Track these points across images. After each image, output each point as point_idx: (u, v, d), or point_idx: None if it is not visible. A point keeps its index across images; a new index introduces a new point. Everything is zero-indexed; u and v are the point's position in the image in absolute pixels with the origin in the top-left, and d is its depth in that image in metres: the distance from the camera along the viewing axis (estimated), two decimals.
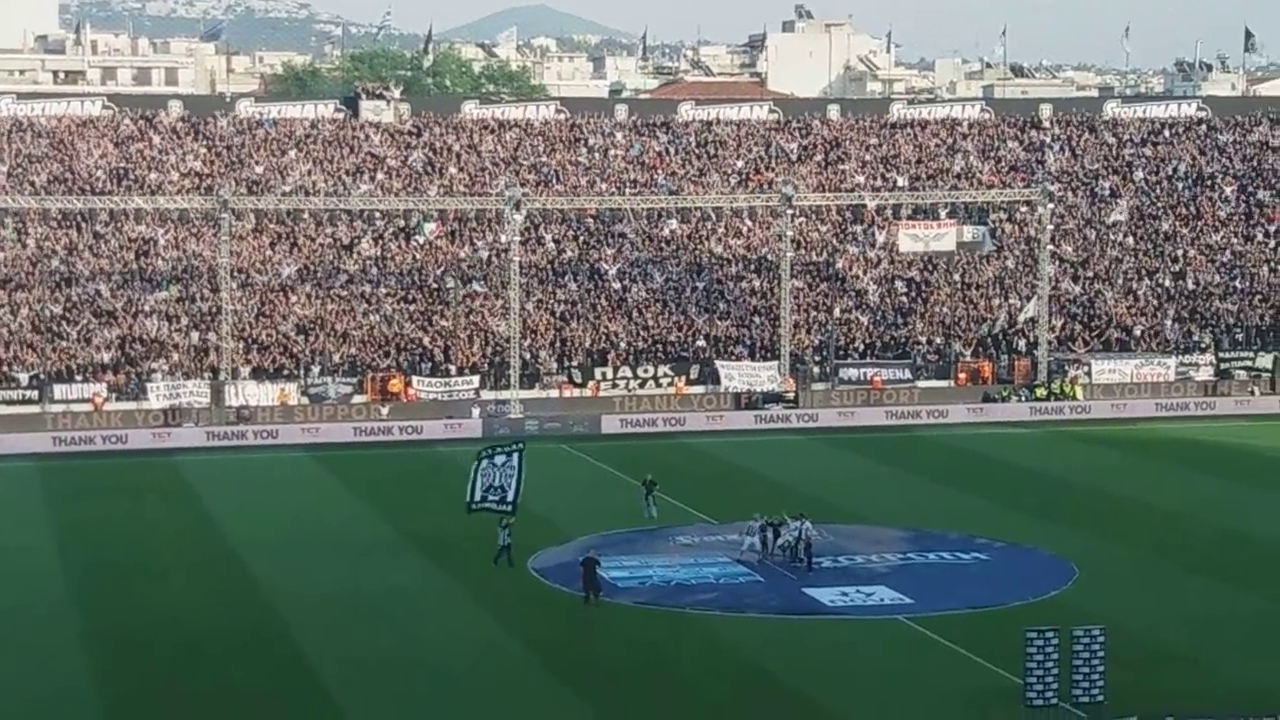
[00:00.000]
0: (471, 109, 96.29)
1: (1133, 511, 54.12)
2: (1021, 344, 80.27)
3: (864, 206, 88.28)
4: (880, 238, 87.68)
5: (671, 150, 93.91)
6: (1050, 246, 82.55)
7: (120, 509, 55.57)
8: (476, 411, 72.92)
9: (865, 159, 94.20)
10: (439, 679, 36.30)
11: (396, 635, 39.65)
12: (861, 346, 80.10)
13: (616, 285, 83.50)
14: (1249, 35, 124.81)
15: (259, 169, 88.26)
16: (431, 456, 66.35)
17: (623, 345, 78.67)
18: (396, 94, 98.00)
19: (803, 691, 35.28)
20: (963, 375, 78.94)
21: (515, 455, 46.30)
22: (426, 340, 77.79)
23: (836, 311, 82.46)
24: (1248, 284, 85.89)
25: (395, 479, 61.44)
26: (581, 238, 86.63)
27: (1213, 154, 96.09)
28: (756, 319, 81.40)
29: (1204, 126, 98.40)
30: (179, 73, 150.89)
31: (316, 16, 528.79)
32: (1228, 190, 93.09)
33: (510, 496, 45.92)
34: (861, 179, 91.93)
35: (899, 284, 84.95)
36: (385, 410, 73.10)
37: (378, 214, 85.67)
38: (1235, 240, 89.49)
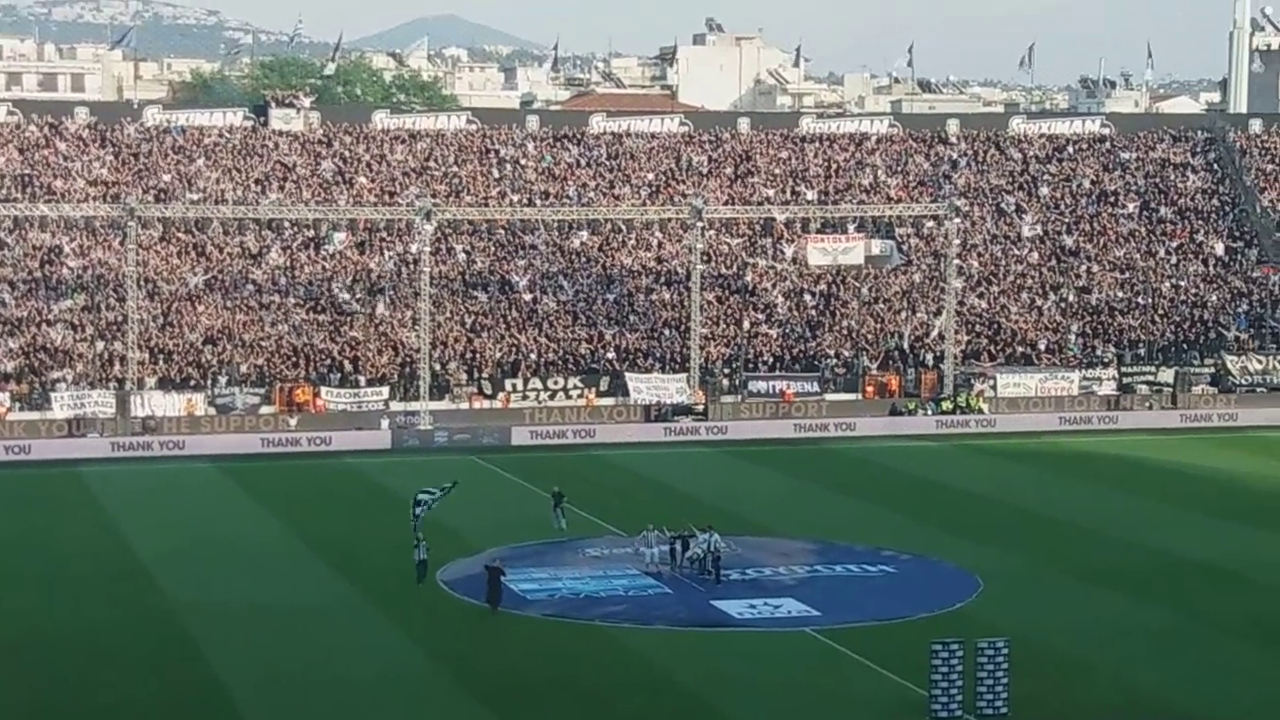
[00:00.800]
0: (382, 119, 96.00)
1: (1036, 524, 54.75)
2: (929, 358, 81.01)
3: (773, 220, 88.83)
4: (789, 251, 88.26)
5: (582, 162, 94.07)
6: (956, 261, 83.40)
7: (24, 520, 54.93)
8: (385, 423, 72.68)
9: (775, 172, 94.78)
10: (346, 691, 36.18)
11: (304, 647, 39.49)
12: (770, 359, 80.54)
13: (527, 297, 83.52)
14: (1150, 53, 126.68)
15: (166, 177, 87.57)
16: (340, 468, 66.05)
17: (533, 357, 78.69)
18: (307, 103, 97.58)
19: (711, 703, 35.47)
20: (870, 388, 79.55)
21: (441, 493, 46.00)
22: (335, 351, 77.45)
23: (746, 324, 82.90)
24: (1150, 299, 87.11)
25: (303, 490, 61.10)
26: (492, 249, 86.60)
27: (1116, 170, 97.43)
28: (666, 331, 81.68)
29: (1107, 143, 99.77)
30: (85, 79, 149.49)
31: (225, 23, 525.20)
32: (1130, 206, 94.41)
33: (430, 495, 45.67)
34: (771, 192, 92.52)
35: (808, 297, 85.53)
36: (293, 421, 72.68)
37: (287, 223, 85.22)
38: (1138, 256, 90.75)
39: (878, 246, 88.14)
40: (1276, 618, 42.38)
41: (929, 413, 77.38)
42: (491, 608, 42.72)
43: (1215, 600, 44.23)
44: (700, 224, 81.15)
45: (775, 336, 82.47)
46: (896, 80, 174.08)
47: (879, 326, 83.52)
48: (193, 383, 74.22)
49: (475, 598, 43.59)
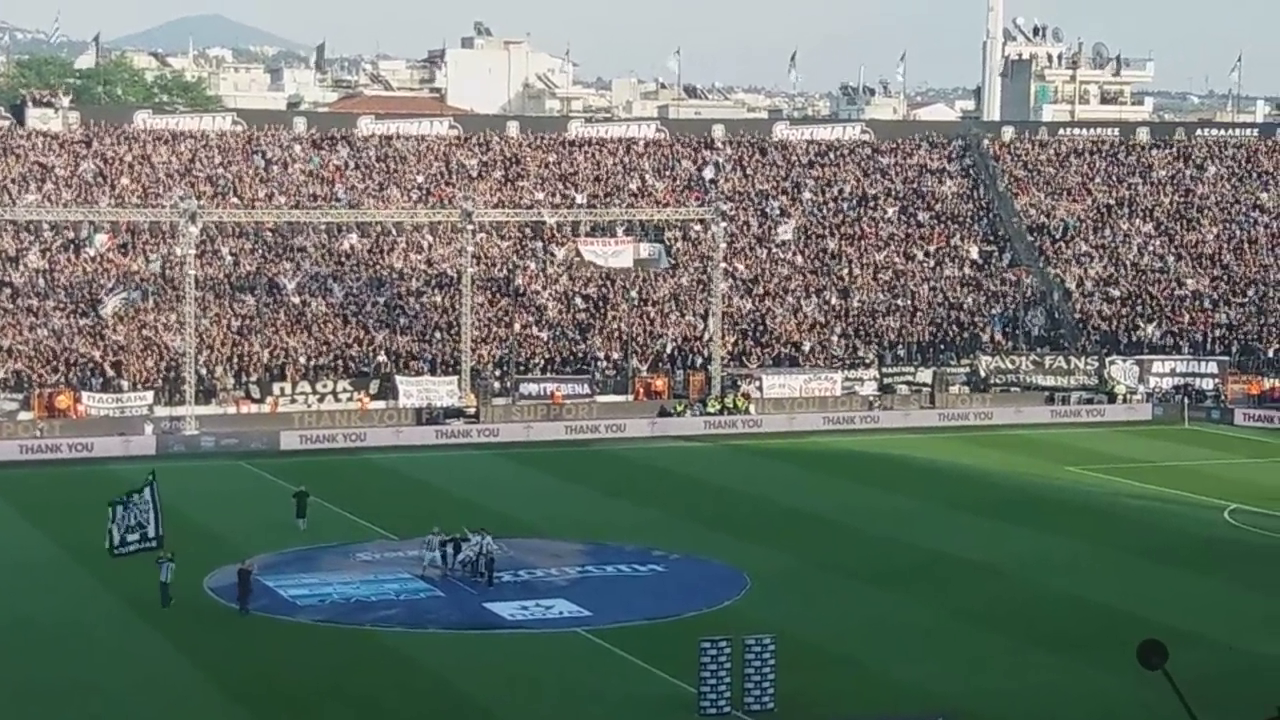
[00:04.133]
0: (145, 119, 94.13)
1: (802, 522, 55.95)
2: (697, 360, 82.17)
3: (543, 223, 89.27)
4: (559, 254, 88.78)
5: (351, 164, 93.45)
6: (723, 264, 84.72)
7: None
8: (150, 428, 71.37)
9: (544, 176, 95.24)
10: (110, 702, 35.64)
11: (66, 658, 38.73)
12: (541, 362, 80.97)
13: (296, 299, 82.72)
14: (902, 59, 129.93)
15: None
16: (103, 475, 64.55)
17: (302, 360, 77.98)
18: (65, 102, 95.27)
19: (484, 705, 35.70)
20: (640, 390, 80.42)
21: (147, 489, 44.14)
22: (97, 355, 75.84)
23: (517, 327, 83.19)
24: (909, 302, 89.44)
25: (64, 498, 59.69)
26: (259, 251, 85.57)
27: (875, 176, 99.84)
28: (437, 334, 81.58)
29: (867, 149, 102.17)
30: None
31: None
32: (890, 211, 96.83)
33: (151, 532, 43.32)
34: (541, 196, 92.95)
35: (578, 300, 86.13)
36: (54, 427, 70.98)
37: (46, 225, 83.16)
38: (897, 259, 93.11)
39: (646, 250, 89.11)
40: (1030, 610, 44.02)
41: (697, 414, 78.46)
42: (240, 609, 42.46)
43: (972, 594, 45.73)
44: (470, 227, 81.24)
45: (546, 339, 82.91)
46: (663, 86, 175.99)
47: (649, 328, 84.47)
48: None
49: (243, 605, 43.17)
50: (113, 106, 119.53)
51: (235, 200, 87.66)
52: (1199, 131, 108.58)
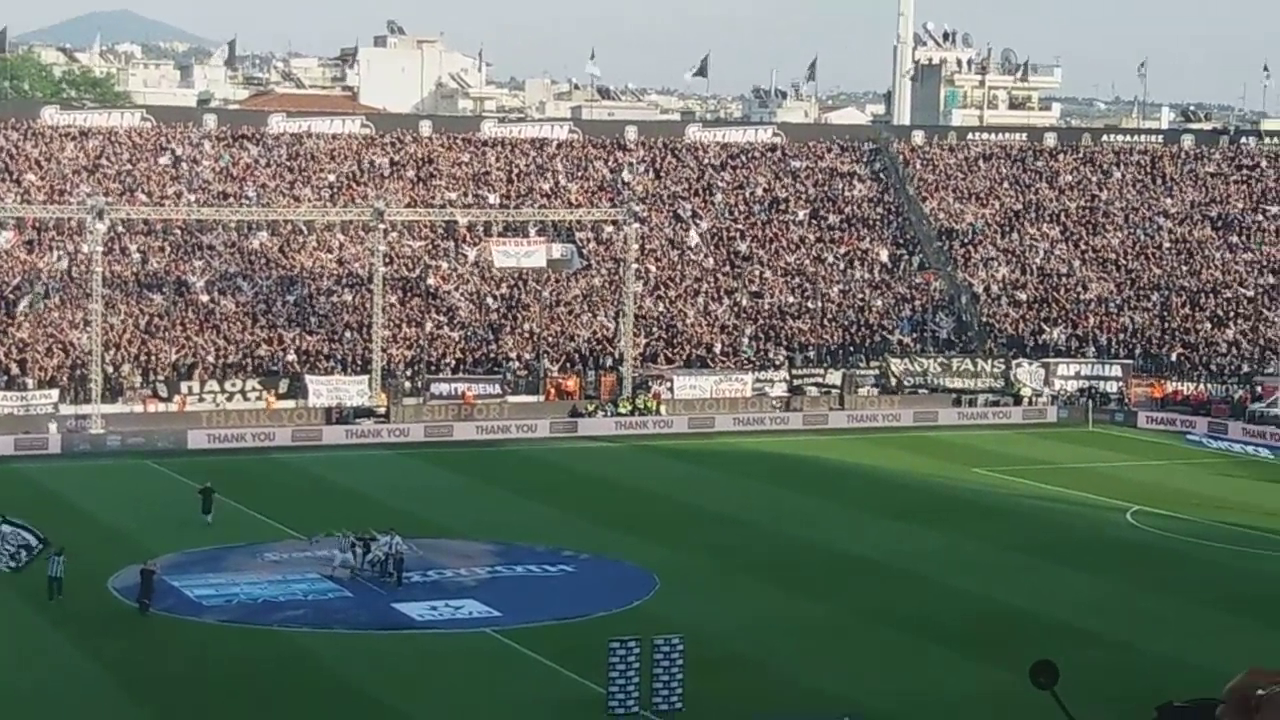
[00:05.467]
0: (52, 114, 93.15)
1: (711, 522, 56.23)
2: (608, 361, 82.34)
3: (456, 223, 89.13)
4: (472, 254, 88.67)
5: (262, 162, 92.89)
6: (635, 265, 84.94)
7: None
8: (54, 427, 70.64)
9: (457, 175, 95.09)
10: (9, 703, 35.30)
11: None
12: (453, 362, 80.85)
13: (204, 298, 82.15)
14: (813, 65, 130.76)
15: None
16: (6, 474, 63.93)
17: (210, 359, 77.45)
18: None
19: (392, 705, 35.68)
20: (551, 391, 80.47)
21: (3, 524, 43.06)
22: (1, 353, 74.96)
23: (428, 327, 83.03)
24: (819, 304, 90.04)
25: None
26: (168, 249, 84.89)
27: (787, 179, 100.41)
28: (348, 333, 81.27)
29: (778, 152, 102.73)
30: None
31: None
32: (801, 214, 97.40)
33: (34, 541, 42.40)
34: (453, 195, 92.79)
35: (490, 300, 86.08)
36: None
37: None
38: (808, 262, 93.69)
39: (558, 250, 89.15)
40: (935, 610, 44.50)
41: (608, 414, 78.64)
42: (141, 609, 42.20)
43: (878, 595, 46.18)
44: (382, 226, 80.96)
45: (457, 339, 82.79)
46: (576, 87, 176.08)
47: (561, 329, 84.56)
48: None
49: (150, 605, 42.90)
50: (19, 102, 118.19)
51: (144, 197, 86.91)
52: (1105, 137, 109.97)
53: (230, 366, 77.29)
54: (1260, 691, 3.75)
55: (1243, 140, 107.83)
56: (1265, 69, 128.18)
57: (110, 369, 74.73)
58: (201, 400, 75.10)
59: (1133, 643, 41.30)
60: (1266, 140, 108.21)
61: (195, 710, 35.24)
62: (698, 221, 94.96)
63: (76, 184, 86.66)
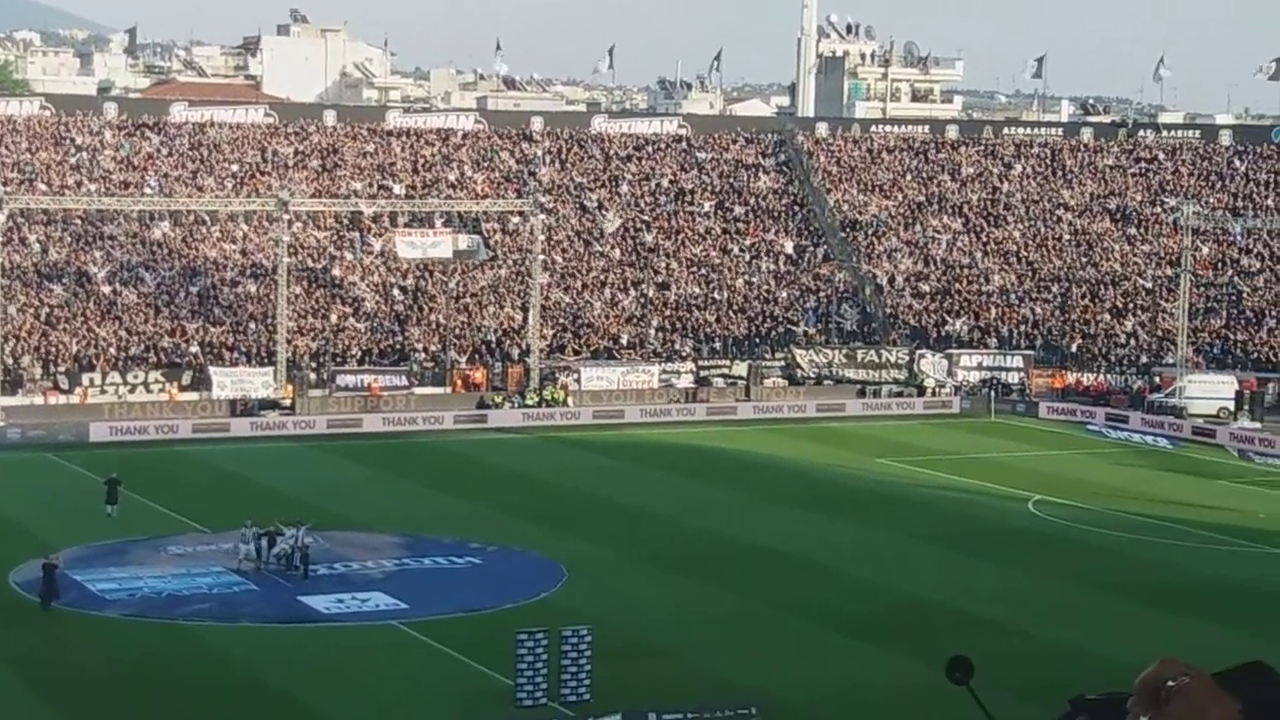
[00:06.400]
0: None
1: (618, 513, 56.38)
2: (515, 352, 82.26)
3: (361, 213, 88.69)
4: (377, 245, 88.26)
5: (163, 151, 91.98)
6: (541, 257, 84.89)
7: None
8: None
9: (362, 166, 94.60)
10: None
11: None
12: (359, 353, 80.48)
13: (106, 289, 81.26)
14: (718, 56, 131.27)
15: None
16: None
17: (112, 350, 76.65)
18: None
19: (298, 699, 35.57)
20: (459, 382, 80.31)
21: None
22: None
23: (334, 318, 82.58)
24: (725, 296, 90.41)
25: None
26: (68, 239, 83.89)
27: (693, 170, 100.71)
28: (253, 325, 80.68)
29: (684, 143, 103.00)
30: None
31: None
32: (706, 205, 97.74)
33: None
34: (358, 186, 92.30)
35: (396, 291, 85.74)
36: None
37: None
38: (713, 253, 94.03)
39: (464, 241, 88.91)
40: (840, 600, 44.89)
41: (515, 406, 78.59)
42: (43, 604, 41.80)
43: (784, 585, 46.49)
44: (286, 216, 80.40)
45: (363, 330, 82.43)
46: (482, 77, 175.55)
47: (467, 320, 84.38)
48: None
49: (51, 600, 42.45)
50: None
51: (43, 187, 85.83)
52: (1006, 130, 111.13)
53: (132, 358, 76.55)
54: (1170, 683, 3.88)
55: (1140, 133, 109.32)
56: (1162, 62, 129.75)
57: (10, 360, 73.78)
58: (103, 392, 74.30)
59: (1035, 631, 41.86)
60: (1164, 133, 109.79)
61: (100, 706, 34.94)
62: (604, 212, 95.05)
63: None
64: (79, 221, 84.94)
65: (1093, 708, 4.01)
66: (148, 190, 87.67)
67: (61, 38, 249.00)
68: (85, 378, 74.57)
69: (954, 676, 4.89)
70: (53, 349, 75.92)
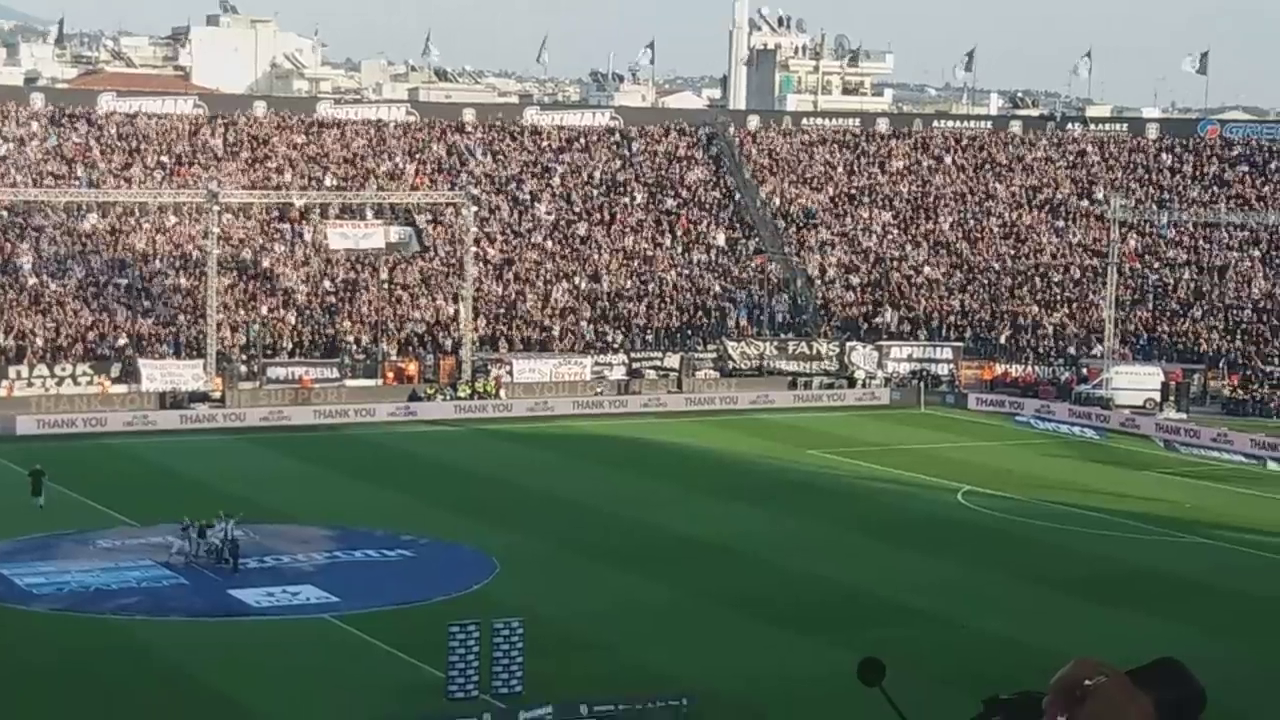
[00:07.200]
0: None
1: (551, 506, 56.36)
2: (448, 344, 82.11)
3: (291, 205, 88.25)
4: (308, 236, 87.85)
5: (91, 142, 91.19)
6: (474, 248, 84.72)
7: None
8: None
9: (292, 157, 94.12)
10: None
11: None
12: (290, 345, 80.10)
13: (33, 280, 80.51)
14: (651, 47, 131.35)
15: None
16: None
17: (40, 343, 75.95)
18: None
19: (227, 693, 35.39)
20: (390, 374, 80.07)
21: None
22: None
23: (264, 310, 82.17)
24: (657, 287, 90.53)
25: None
26: None
27: (625, 162, 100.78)
28: (182, 317, 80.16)
29: (616, 135, 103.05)
30: None
31: None
32: (639, 197, 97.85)
33: None
34: (289, 177, 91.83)
35: (327, 283, 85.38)
36: None
37: None
38: (646, 245, 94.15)
39: (396, 233, 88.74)
40: (771, 591, 45.09)
41: (448, 398, 78.44)
42: None
43: (715, 576, 46.63)
44: (216, 208, 79.87)
45: (294, 322, 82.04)
46: (413, 68, 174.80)
47: (399, 311, 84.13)
48: None
49: None
50: None
51: None
52: (936, 123, 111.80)
53: (60, 350, 75.89)
54: (1087, 682, 3.95)
55: (1069, 126, 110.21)
56: (1089, 56, 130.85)
57: None
58: (30, 385, 73.67)
59: (964, 621, 42.18)
60: (1092, 126, 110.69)
61: (27, 701, 34.64)
62: (537, 204, 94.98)
63: None
64: (6, 213, 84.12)
65: (1007, 708, 4.07)
66: (76, 181, 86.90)
67: None
68: (12, 370, 73.89)
69: (866, 678, 4.95)
70: None
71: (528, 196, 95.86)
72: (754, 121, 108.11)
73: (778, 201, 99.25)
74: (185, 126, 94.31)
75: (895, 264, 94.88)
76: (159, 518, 49.50)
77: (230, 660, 37.73)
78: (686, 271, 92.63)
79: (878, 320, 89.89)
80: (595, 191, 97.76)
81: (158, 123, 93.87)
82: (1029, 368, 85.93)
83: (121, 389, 74.98)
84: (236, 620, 41.36)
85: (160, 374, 75.61)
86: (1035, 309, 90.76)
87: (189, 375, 75.79)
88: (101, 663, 37.28)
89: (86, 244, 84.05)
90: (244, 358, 78.42)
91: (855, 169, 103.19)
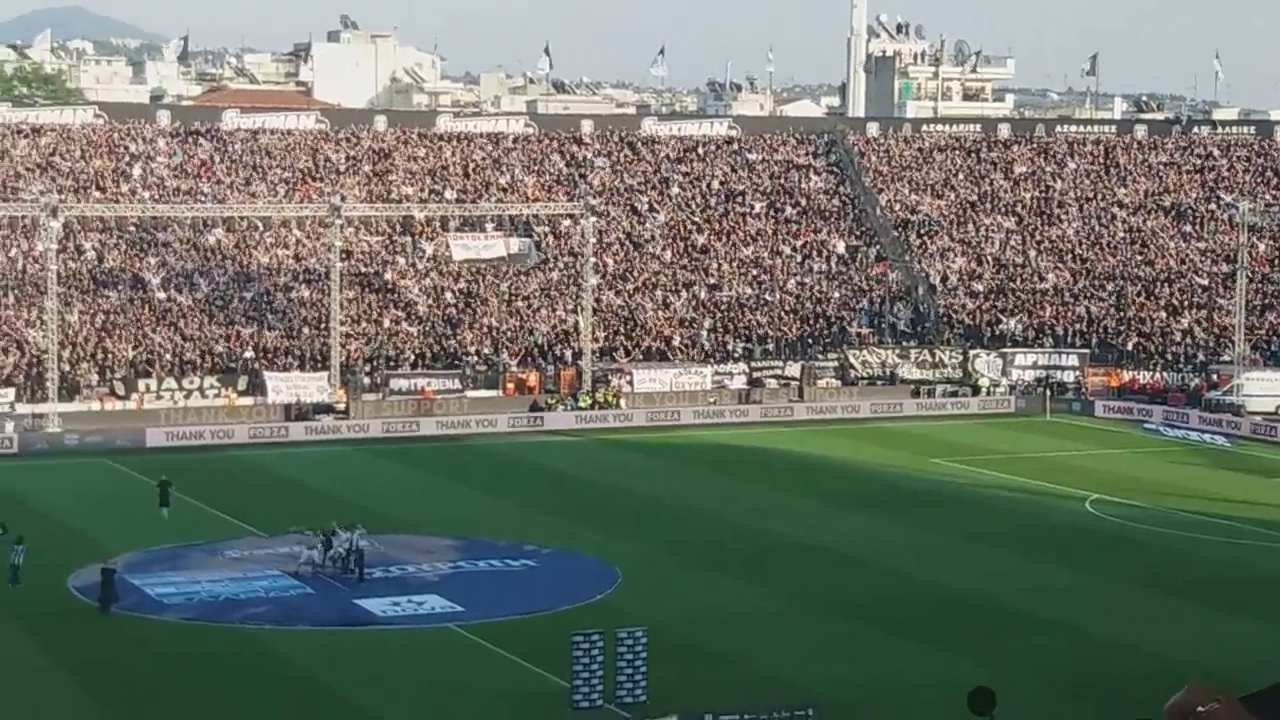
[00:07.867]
0: (3, 112, 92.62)
1: (671, 515, 56.32)
2: (568, 354, 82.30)
3: (412, 218, 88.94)
4: (429, 249, 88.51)
5: (216, 158, 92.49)
6: (592, 259, 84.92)
7: None
8: (11, 426, 70.17)
9: (413, 170, 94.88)
10: None
11: None
12: (412, 357, 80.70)
13: (161, 295, 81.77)
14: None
15: None
16: None
17: (167, 356, 77.11)
18: None
19: (355, 702, 35.62)
20: (511, 385, 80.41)
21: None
22: None
23: (386, 322, 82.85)
24: (777, 297, 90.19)
25: None
26: (123, 246, 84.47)
27: (743, 171, 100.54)
28: (306, 329, 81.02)
29: (734, 145, 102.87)
30: None
31: None
32: (757, 206, 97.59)
33: None
34: (410, 190, 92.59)
35: (448, 295, 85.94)
36: None
37: None
38: (765, 255, 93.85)
39: (515, 245, 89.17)
40: (895, 601, 44.68)
41: (568, 408, 78.64)
42: (102, 608, 42.06)
43: (838, 585, 46.33)
44: (339, 221, 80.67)
45: (416, 334, 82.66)
46: (531, 81, 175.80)
47: (519, 323, 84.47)
48: None
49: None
50: None
51: (98, 194, 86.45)
52: (1058, 128, 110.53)
53: (188, 364, 76.99)
54: (1200, 709, 3.80)
55: (1195, 130, 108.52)
56: (1217, 58, 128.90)
57: (67, 367, 74.35)
58: (159, 398, 74.80)
59: (1091, 630, 41.53)
60: (1219, 129, 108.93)
61: (159, 710, 35.08)
62: (655, 214, 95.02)
63: (30, 181, 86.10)
64: (134, 228, 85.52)
65: None
66: (201, 197, 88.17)
67: (114, 47, 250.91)
68: (141, 384, 75.06)
69: (976, 708, 4.78)
70: (109, 355, 76.44)
71: (645, 206, 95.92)
72: (873, 128, 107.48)
73: (898, 209, 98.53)
74: (307, 141, 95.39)
75: (1018, 270, 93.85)
76: (285, 528, 49.93)
77: (357, 669, 37.97)
78: (807, 280, 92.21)
79: (1001, 327, 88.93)
80: (713, 201, 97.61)
81: (280, 138, 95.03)
82: (1157, 374, 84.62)
83: (248, 401, 75.92)
84: (363, 629, 41.63)
85: (285, 386, 76.47)
86: (1163, 314, 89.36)
87: (313, 387, 76.58)
88: (232, 671, 37.66)
89: (211, 258, 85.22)
90: (367, 369, 79.11)
91: (976, 175, 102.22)
